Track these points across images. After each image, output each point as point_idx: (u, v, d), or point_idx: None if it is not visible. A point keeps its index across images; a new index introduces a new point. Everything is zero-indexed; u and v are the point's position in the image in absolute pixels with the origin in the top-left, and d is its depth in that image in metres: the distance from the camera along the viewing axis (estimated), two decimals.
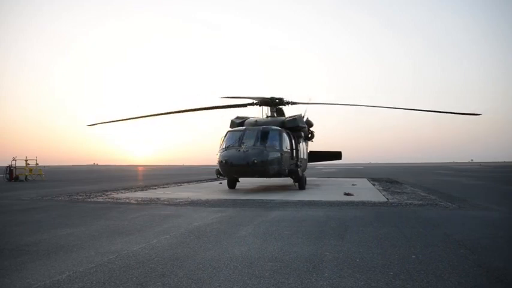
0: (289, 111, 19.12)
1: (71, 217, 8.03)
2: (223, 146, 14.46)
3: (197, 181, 22.78)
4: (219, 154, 14.21)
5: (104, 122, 20.20)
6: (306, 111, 18.72)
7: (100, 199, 11.90)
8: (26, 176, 25.35)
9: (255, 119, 16.76)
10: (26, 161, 26.13)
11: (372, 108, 20.41)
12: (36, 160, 27.01)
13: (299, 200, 10.99)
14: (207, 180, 23.37)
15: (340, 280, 3.66)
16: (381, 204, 10.06)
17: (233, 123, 17.12)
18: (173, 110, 19.12)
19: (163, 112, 19.12)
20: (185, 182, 21.35)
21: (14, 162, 25.43)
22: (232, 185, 16.25)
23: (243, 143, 13.87)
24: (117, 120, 19.91)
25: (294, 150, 15.66)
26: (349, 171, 47.46)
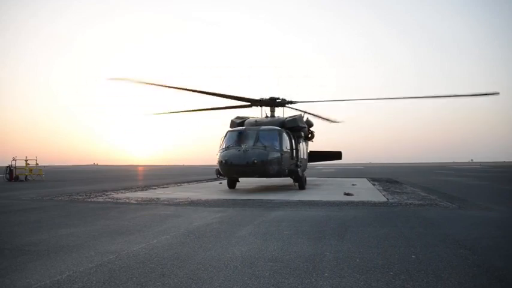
0: (289, 112, 19.14)
1: (71, 217, 8.03)
2: (223, 146, 14.47)
3: (197, 181, 22.78)
4: (219, 154, 14.22)
5: (125, 79, 17.22)
6: (305, 111, 18.73)
7: (100, 199, 11.90)
8: (26, 176, 25.33)
9: (255, 119, 16.77)
10: (26, 161, 26.12)
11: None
12: (36, 160, 27.03)
13: (299, 200, 10.99)
14: (207, 180, 23.37)
15: (340, 280, 3.66)
16: (381, 204, 10.06)
17: (233, 123, 17.12)
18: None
19: (167, 85, 16.86)
20: (185, 182, 21.35)
21: (14, 162, 25.42)
22: (232, 185, 16.26)
23: (243, 143, 13.88)
24: (138, 82, 17.03)
25: (294, 150, 15.66)
26: (349, 171, 47.47)
